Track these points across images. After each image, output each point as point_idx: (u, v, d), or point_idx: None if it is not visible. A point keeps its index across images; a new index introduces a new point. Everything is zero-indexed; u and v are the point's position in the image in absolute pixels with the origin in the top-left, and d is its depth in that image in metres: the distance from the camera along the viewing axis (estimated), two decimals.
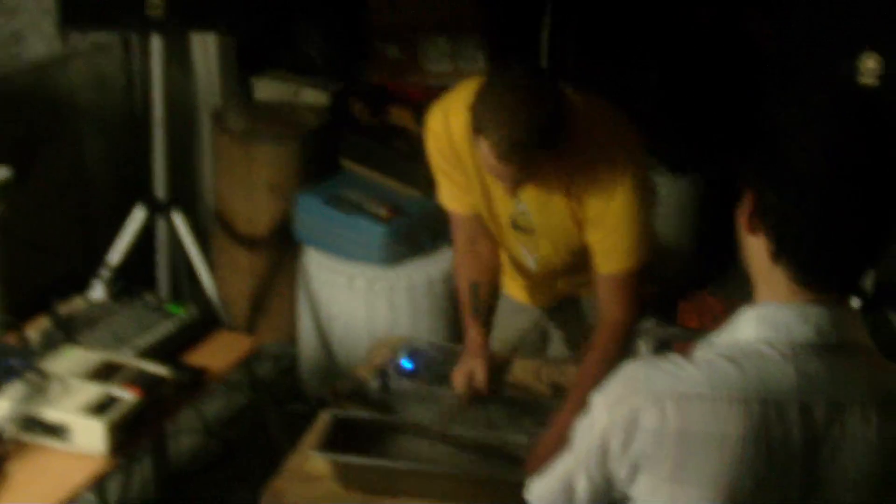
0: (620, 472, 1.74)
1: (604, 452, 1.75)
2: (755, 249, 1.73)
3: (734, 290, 5.41)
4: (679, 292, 5.35)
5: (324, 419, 2.99)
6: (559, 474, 1.86)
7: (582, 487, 1.81)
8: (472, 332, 3.12)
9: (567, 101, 2.70)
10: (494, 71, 2.77)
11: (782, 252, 1.69)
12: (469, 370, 3.06)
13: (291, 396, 4.64)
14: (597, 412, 1.77)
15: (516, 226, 3.06)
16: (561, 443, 1.92)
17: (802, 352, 1.68)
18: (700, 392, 1.66)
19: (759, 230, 1.71)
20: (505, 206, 3.02)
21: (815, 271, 1.69)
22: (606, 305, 2.98)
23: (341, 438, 2.85)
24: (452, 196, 3.11)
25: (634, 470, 1.72)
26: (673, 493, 1.68)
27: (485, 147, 2.63)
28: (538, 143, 2.61)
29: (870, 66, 3.22)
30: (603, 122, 2.87)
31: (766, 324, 1.70)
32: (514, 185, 2.78)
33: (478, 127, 2.63)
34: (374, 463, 2.79)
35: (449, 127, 2.92)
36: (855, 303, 3.59)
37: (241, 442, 4.37)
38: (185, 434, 4.19)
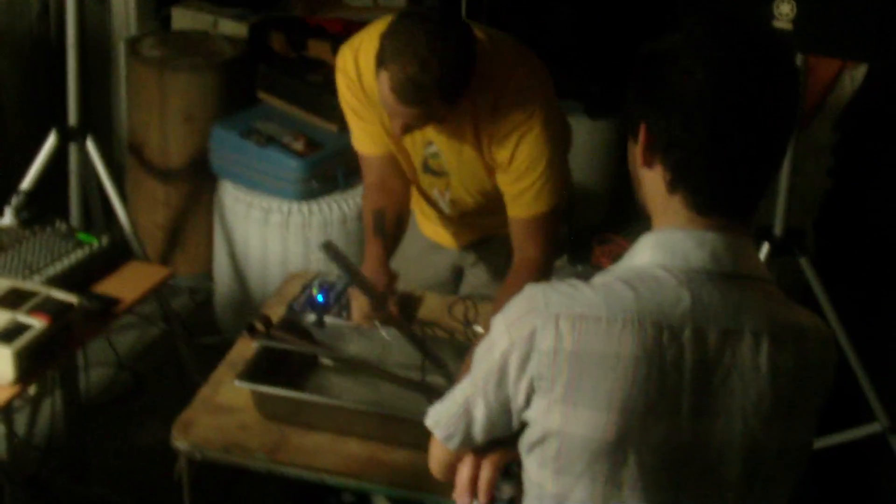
0: (518, 394, 1.75)
1: (502, 375, 1.76)
2: (652, 183, 1.75)
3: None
4: (594, 235, 5.40)
5: (242, 349, 3.00)
6: (458, 399, 1.86)
7: (480, 412, 1.82)
8: (372, 250, 2.98)
9: (477, 47, 2.69)
10: (409, 9, 2.75)
11: (678, 181, 1.71)
12: (366, 281, 2.88)
13: (206, 330, 4.62)
14: (496, 334, 1.78)
15: (428, 168, 3.06)
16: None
17: (697, 277, 1.70)
18: (595, 314, 1.68)
19: (654, 163, 1.72)
20: (415, 148, 3.01)
21: (710, 197, 1.71)
22: (521, 247, 2.98)
23: (265, 369, 2.86)
24: (363, 137, 3.06)
25: (530, 392, 1.74)
26: (565, 413, 1.70)
27: (384, 81, 2.62)
28: (436, 90, 2.60)
29: (784, 11, 3.25)
30: (513, 64, 2.86)
31: (662, 249, 1.72)
32: (407, 128, 2.76)
33: (381, 60, 2.62)
34: (302, 396, 2.81)
35: (359, 66, 2.90)
36: (764, 247, 3.65)
37: (153, 375, 4.36)
38: (97, 367, 4.16)
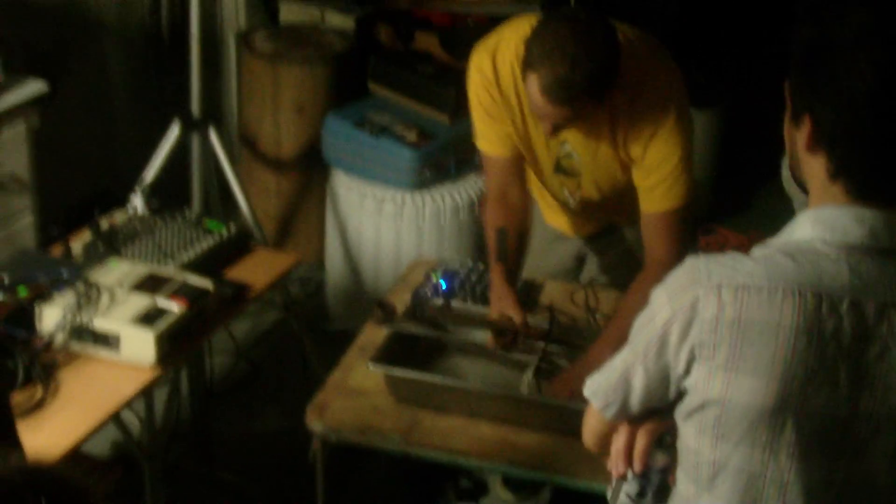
0: (678, 363, 1.79)
1: (663, 344, 1.79)
2: (813, 167, 1.78)
3: (752, 224, 5.46)
4: (698, 226, 5.39)
5: (370, 335, 3.05)
6: (617, 368, 1.90)
7: (639, 381, 1.85)
8: (496, 278, 3.02)
9: (620, 45, 2.71)
10: (553, 12, 2.78)
11: (840, 171, 1.74)
12: (501, 314, 2.94)
13: (318, 319, 4.67)
14: (657, 304, 1.82)
15: (560, 168, 3.08)
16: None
17: (856, 252, 1.73)
18: (757, 283, 1.72)
19: (817, 151, 1.75)
20: (549, 148, 3.03)
21: (873, 186, 1.74)
22: (652, 244, 3.00)
23: (397, 353, 2.91)
24: (492, 138, 3.07)
25: (691, 359, 1.77)
26: (727, 380, 1.73)
27: (533, 84, 2.64)
28: (587, 88, 2.63)
29: None
30: (649, 62, 2.89)
31: (822, 224, 1.75)
32: (556, 128, 2.78)
33: (529, 63, 2.64)
34: (435, 380, 2.86)
35: (496, 66, 2.92)
36: None
37: (271, 362, 4.43)
38: (218, 353, 4.23)
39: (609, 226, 3.36)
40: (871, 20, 1.72)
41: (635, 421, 1.93)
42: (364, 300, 4.41)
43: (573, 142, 2.98)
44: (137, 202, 3.42)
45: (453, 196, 4.50)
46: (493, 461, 2.79)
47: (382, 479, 3.74)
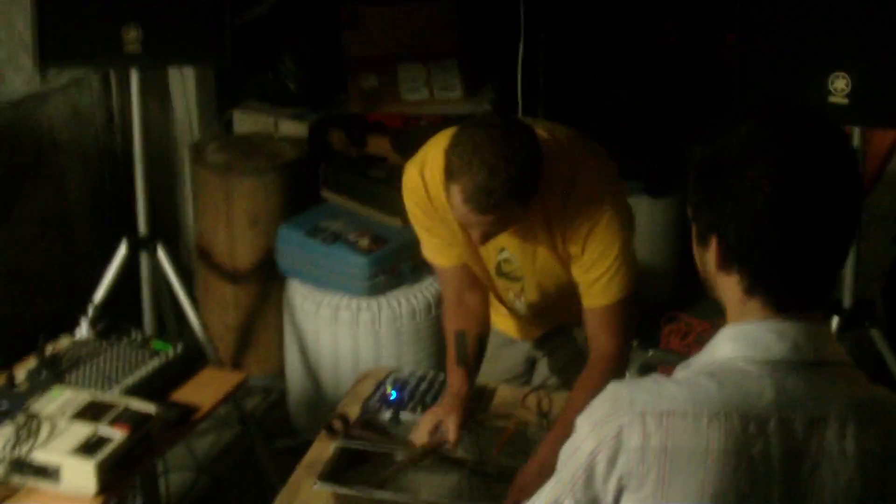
0: (607, 494, 1.75)
1: (589, 475, 1.76)
2: (728, 286, 1.76)
3: (715, 310, 5.44)
4: (661, 314, 5.39)
5: (319, 450, 3.02)
6: (546, 499, 1.86)
7: None
8: (454, 381, 3.04)
9: (541, 146, 2.73)
10: (469, 119, 2.79)
11: (755, 287, 1.72)
12: (438, 422, 2.96)
13: (281, 430, 4.64)
14: (581, 435, 1.78)
15: (501, 273, 3.09)
16: (543, 472, 1.94)
17: (780, 368, 1.71)
18: (681, 408, 1.69)
19: (729, 271, 1.74)
20: (488, 254, 3.04)
21: (789, 298, 1.73)
22: (596, 338, 2.99)
23: (344, 469, 2.88)
24: (436, 250, 3.10)
25: (619, 490, 1.74)
26: None
27: (455, 195, 2.64)
28: (508, 193, 2.62)
29: (839, 86, 3.26)
30: (578, 159, 2.89)
31: (743, 341, 1.73)
32: (486, 236, 2.78)
33: (449, 174, 2.64)
34: (384, 496, 2.82)
35: (425, 182, 2.93)
36: (834, 321, 3.63)
37: (232, 478, 4.38)
38: (175, 471, 4.20)
39: (558, 327, 3.35)
40: (759, 133, 1.71)
41: None
42: (325, 409, 4.38)
43: (511, 247, 2.98)
44: (83, 325, 3.41)
45: (409, 300, 4.49)
46: None
47: None
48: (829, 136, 1.73)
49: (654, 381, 1.75)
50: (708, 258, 1.76)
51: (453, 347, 3.07)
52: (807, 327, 1.73)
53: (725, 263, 1.73)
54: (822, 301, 1.76)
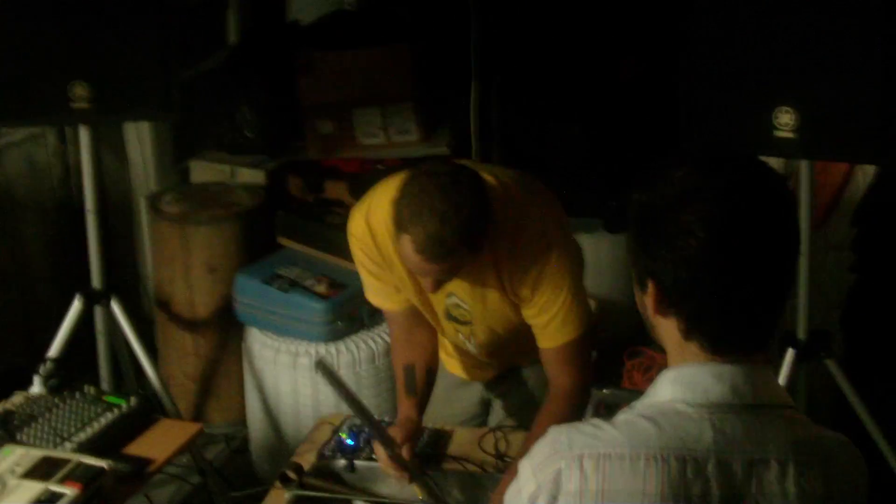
0: None
1: None
2: (666, 329, 1.78)
3: None
4: (624, 348, 5.38)
5: (275, 500, 3.00)
6: None
7: None
8: (403, 409, 3.08)
9: (489, 192, 2.74)
10: (415, 167, 2.80)
11: (693, 330, 1.74)
12: (387, 441, 2.96)
13: (243, 478, 4.61)
14: (523, 477, 1.80)
15: (451, 316, 3.09)
16: None
17: (718, 410, 1.72)
18: (619, 451, 1.70)
19: (667, 313, 1.76)
20: (437, 298, 3.04)
21: (727, 341, 1.74)
22: (555, 376, 3.00)
23: None
24: (382, 295, 3.13)
25: None
26: None
27: (407, 245, 2.65)
28: (460, 240, 2.64)
29: (784, 121, 3.28)
30: (524, 203, 2.91)
31: (682, 384, 1.74)
32: (436, 283, 2.80)
33: (399, 224, 2.65)
34: None
35: (371, 228, 2.95)
36: (789, 353, 3.64)
37: None
38: None
39: (512, 367, 3.35)
40: (694, 178, 1.74)
41: None
42: (287, 456, 4.34)
43: (460, 292, 2.99)
44: (37, 383, 3.39)
45: (368, 344, 4.48)
46: None
47: None
48: (763, 181, 1.75)
49: (593, 425, 1.76)
50: (647, 302, 1.78)
51: (402, 380, 3.11)
52: (745, 370, 1.74)
53: (662, 307, 1.75)
54: (761, 343, 1.77)
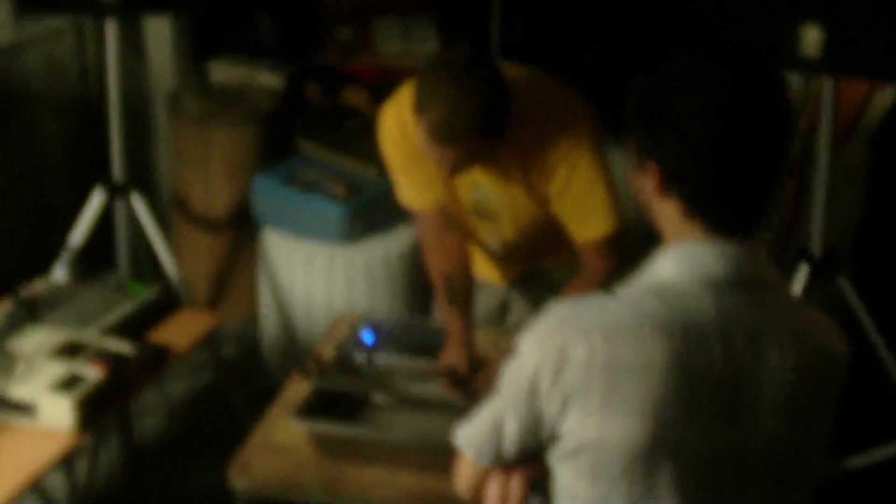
0: (551, 408, 1.80)
1: (533, 391, 1.81)
2: (667, 211, 1.83)
3: None
4: (637, 265, 5.42)
5: (294, 390, 3.04)
6: (487, 418, 1.91)
7: (510, 429, 1.87)
8: (452, 323, 3.10)
9: (509, 85, 2.74)
10: (437, 55, 2.82)
11: (694, 210, 1.79)
12: (450, 365, 3.03)
13: (255, 376, 4.67)
14: (526, 351, 1.83)
15: (478, 212, 3.11)
16: None
17: (720, 286, 1.78)
18: (625, 324, 1.75)
19: (669, 194, 1.80)
20: (465, 193, 3.06)
21: (728, 222, 1.80)
22: (590, 265, 3.02)
23: (321, 407, 2.91)
24: (413, 193, 3.13)
25: (564, 404, 1.79)
26: (602, 422, 1.76)
27: (420, 128, 2.68)
28: (472, 127, 2.65)
29: (811, 39, 3.29)
30: (551, 96, 2.93)
31: (684, 261, 1.80)
32: (452, 171, 2.81)
33: (414, 108, 2.69)
34: (357, 431, 2.85)
35: (403, 123, 2.95)
36: (804, 269, 3.68)
37: (205, 421, 4.41)
38: (150, 415, 4.22)
39: (532, 269, 3.38)
40: (699, 64, 1.80)
41: (508, 467, 1.95)
42: (299, 355, 4.40)
43: (487, 185, 3.01)
44: (60, 269, 3.42)
45: (384, 248, 4.51)
46: None
47: None
48: (764, 71, 1.81)
49: (597, 301, 1.81)
50: (646, 183, 1.83)
51: (442, 289, 3.12)
52: (745, 248, 1.81)
53: (664, 188, 1.80)
54: (758, 223, 1.84)
